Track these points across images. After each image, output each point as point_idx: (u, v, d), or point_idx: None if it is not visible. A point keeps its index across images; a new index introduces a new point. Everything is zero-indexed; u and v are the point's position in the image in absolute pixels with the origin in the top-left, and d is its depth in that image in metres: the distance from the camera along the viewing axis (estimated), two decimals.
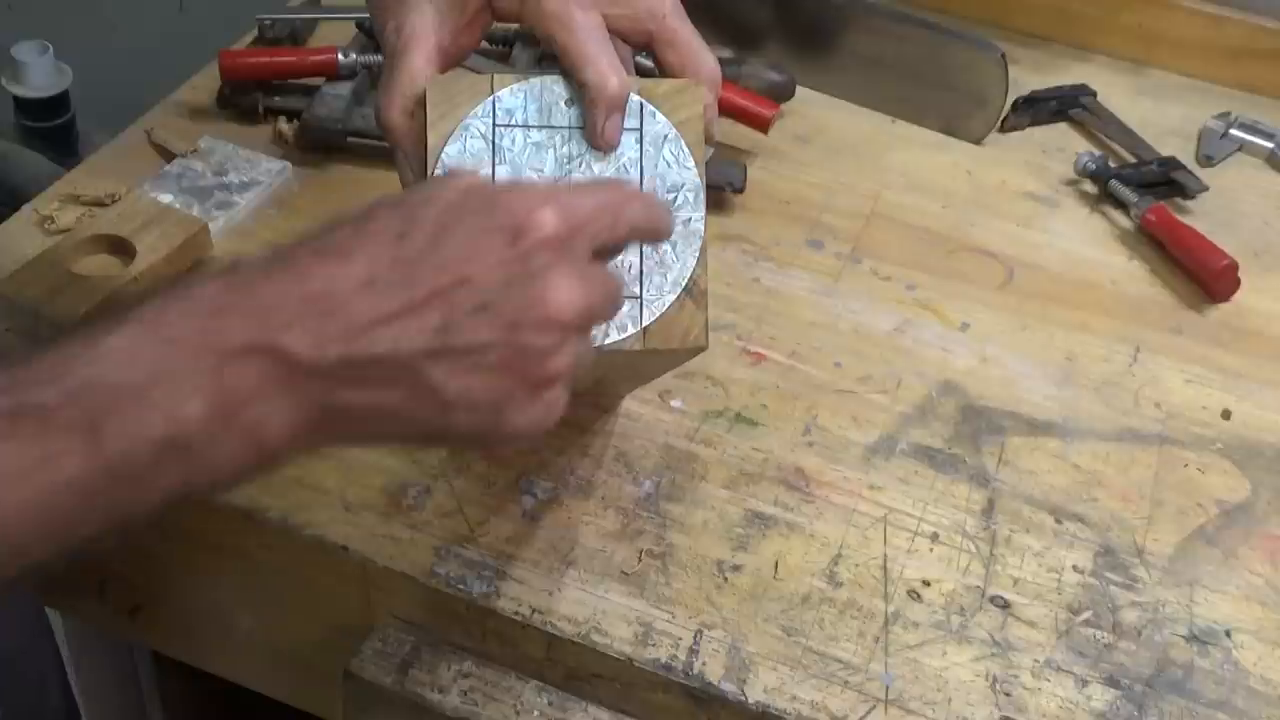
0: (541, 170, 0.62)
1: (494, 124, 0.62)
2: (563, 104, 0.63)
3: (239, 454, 0.51)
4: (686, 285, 0.63)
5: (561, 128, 0.63)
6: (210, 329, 0.50)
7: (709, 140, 0.65)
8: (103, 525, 0.50)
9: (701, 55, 0.65)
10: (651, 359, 0.65)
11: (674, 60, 0.65)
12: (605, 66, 0.61)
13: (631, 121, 0.63)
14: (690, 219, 0.63)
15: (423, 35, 0.63)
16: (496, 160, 0.62)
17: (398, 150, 0.64)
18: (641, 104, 0.63)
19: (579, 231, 0.54)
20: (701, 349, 0.64)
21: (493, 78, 0.63)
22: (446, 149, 0.62)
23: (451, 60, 0.65)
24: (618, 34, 0.64)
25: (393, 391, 0.52)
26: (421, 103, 0.62)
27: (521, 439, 0.55)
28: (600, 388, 0.77)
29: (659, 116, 0.64)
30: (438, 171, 0.61)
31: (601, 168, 0.63)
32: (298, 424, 0.51)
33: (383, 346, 0.51)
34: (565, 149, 0.63)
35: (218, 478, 0.51)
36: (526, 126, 0.63)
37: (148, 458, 0.49)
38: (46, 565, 0.50)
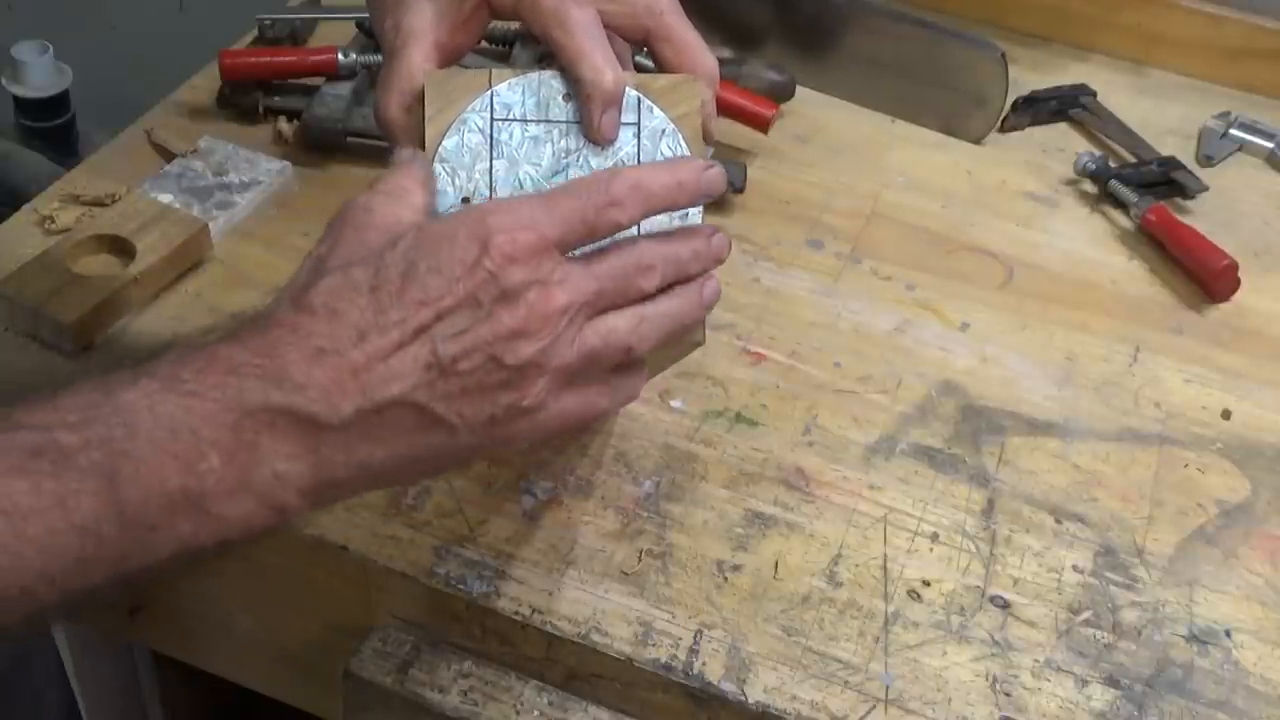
0: (539, 164, 0.63)
1: (492, 118, 0.63)
2: (560, 98, 0.63)
3: (253, 513, 0.53)
4: None
5: (559, 122, 0.63)
6: (228, 386, 0.52)
7: (708, 139, 0.65)
8: (108, 574, 0.50)
9: (699, 52, 0.65)
10: (649, 355, 0.65)
11: (671, 56, 0.65)
12: (600, 61, 0.61)
13: (629, 116, 0.63)
14: (688, 214, 0.63)
15: (421, 32, 0.63)
16: (494, 154, 0.62)
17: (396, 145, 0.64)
18: (639, 99, 0.64)
19: (547, 243, 0.55)
20: (698, 344, 0.65)
21: (491, 73, 0.63)
22: (444, 143, 0.62)
23: (449, 57, 0.65)
24: (615, 30, 0.64)
25: (405, 431, 0.54)
26: (419, 98, 0.62)
27: (535, 440, 0.59)
28: None
29: (656, 111, 0.64)
30: (435, 163, 0.62)
31: (599, 162, 0.63)
32: (318, 482, 0.54)
33: (387, 391, 0.53)
34: (563, 143, 0.63)
35: (228, 535, 0.53)
36: (524, 121, 0.63)
37: (161, 508, 0.50)
38: (49, 614, 0.51)
